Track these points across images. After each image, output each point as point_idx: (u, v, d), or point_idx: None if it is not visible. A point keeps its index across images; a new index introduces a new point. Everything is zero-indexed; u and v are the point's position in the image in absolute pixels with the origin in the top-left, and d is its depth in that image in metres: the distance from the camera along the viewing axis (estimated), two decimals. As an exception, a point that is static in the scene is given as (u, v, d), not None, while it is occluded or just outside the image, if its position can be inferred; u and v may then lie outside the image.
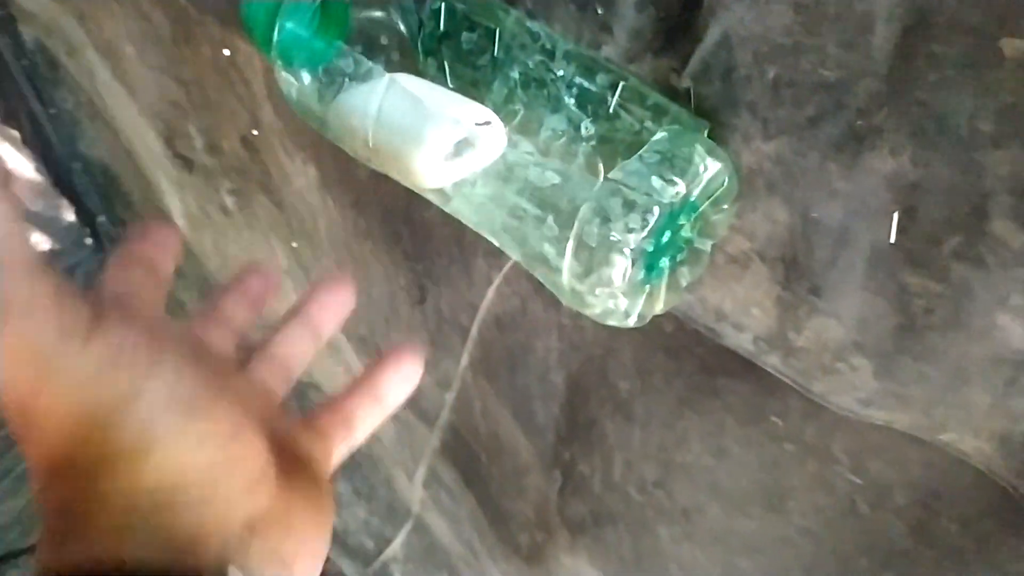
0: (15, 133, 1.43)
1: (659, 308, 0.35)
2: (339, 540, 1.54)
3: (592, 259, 0.31)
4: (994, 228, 0.28)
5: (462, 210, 0.41)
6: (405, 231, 0.62)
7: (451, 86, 0.44)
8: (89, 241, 1.59)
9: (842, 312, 0.33)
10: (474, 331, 0.64)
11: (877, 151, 0.29)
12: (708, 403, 0.44)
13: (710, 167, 0.31)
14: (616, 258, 0.30)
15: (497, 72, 0.42)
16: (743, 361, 0.40)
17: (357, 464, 1.27)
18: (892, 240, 0.30)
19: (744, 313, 0.38)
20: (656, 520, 0.54)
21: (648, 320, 0.35)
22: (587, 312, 0.35)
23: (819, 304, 0.34)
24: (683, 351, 0.44)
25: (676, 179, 0.30)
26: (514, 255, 0.39)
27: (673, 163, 0.30)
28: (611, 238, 0.30)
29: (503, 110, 0.41)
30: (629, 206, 0.30)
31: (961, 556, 0.37)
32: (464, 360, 0.69)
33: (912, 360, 0.32)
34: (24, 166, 1.40)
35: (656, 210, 0.30)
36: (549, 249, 0.34)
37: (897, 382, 0.33)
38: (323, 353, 1.10)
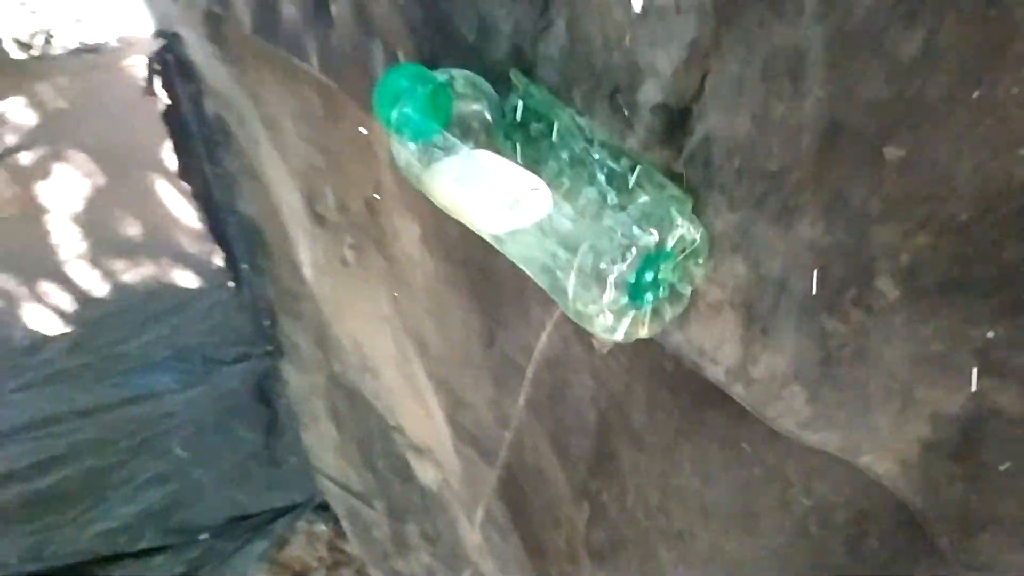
0: (187, 187, 1.71)
1: (644, 333, 0.46)
2: (403, 585, 1.63)
3: (587, 284, 0.42)
4: (878, 284, 0.37)
5: (513, 252, 0.54)
6: (480, 280, 0.75)
7: (520, 162, 0.57)
8: (231, 284, 1.83)
9: (784, 348, 0.43)
10: (529, 372, 0.75)
11: (802, 222, 0.40)
12: (698, 432, 0.53)
13: (681, 225, 0.42)
14: (603, 283, 0.41)
15: (552, 153, 0.55)
16: (721, 393, 0.49)
17: (427, 507, 1.37)
18: (814, 291, 0.40)
19: (719, 349, 0.47)
20: (657, 543, 0.61)
21: (634, 339, 0.45)
22: (590, 328, 0.46)
23: (768, 342, 0.44)
24: (680, 387, 0.54)
25: (652, 230, 0.41)
26: (546, 288, 0.51)
27: (650, 219, 0.42)
28: (600, 267, 0.41)
29: (554, 181, 0.54)
30: (615, 245, 0.41)
31: (886, 570, 0.43)
32: (521, 399, 0.80)
33: (833, 389, 0.41)
34: (190, 215, 1.66)
35: (634, 250, 0.41)
36: (562, 277, 0.45)
37: (824, 406, 0.42)
38: (407, 396, 1.23)
